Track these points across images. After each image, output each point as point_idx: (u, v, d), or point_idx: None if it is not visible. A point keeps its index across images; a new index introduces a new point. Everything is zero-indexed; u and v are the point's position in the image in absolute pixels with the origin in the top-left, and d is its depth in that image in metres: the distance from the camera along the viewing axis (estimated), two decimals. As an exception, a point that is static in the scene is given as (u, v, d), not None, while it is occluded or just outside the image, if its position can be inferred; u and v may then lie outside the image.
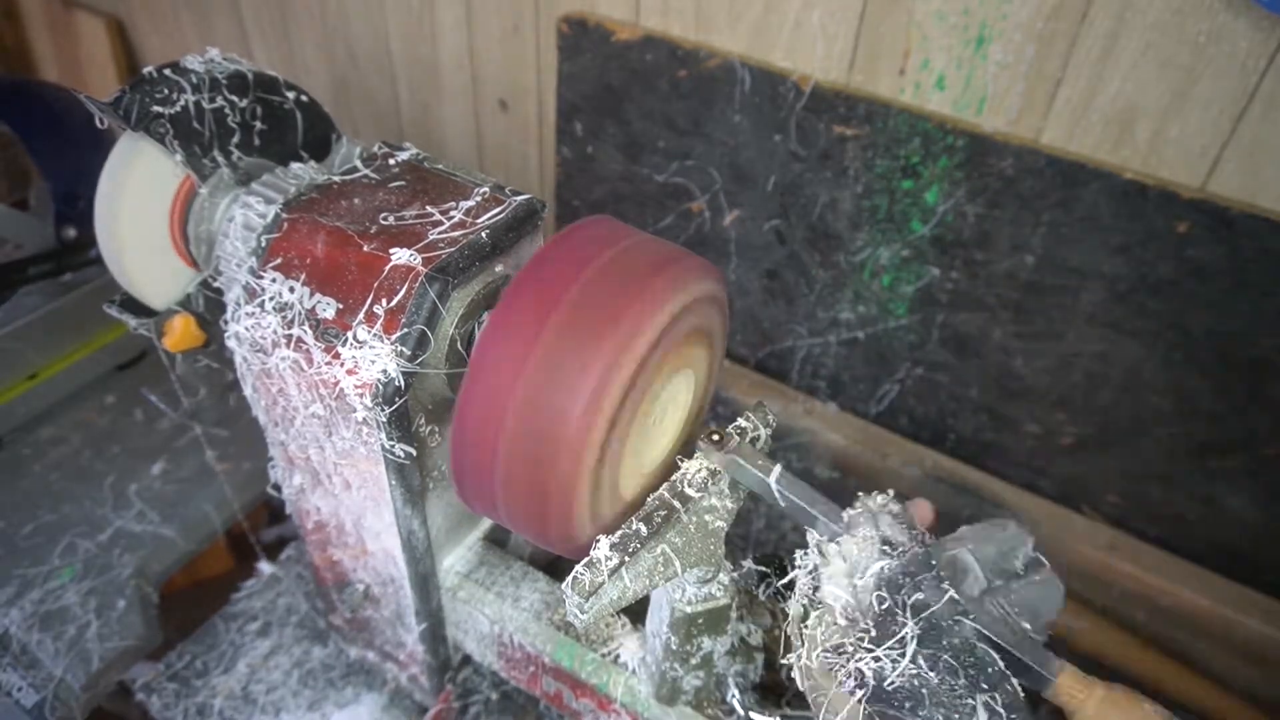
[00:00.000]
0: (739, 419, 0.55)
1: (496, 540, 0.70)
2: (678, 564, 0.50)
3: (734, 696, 0.58)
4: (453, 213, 0.54)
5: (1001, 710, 0.40)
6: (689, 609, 0.53)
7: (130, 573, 0.86)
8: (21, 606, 0.82)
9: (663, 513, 0.50)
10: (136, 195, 0.57)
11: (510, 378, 0.46)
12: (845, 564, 0.46)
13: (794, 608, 0.47)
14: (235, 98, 0.58)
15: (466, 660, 0.77)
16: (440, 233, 0.52)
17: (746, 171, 0.96)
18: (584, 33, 0.98)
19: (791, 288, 1.01)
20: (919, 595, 0.43)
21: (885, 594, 0.44)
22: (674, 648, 0.55)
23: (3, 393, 0.97)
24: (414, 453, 0.54)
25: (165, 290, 0.61)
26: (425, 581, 0.64)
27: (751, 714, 0.46)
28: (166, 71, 0.56)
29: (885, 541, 0.46)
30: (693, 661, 0.57)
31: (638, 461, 0.53)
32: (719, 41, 0.92)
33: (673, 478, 0.52)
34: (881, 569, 0.45)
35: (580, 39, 0.98)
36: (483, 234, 0.53)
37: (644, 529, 0.49)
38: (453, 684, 0.76)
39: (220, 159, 0.59)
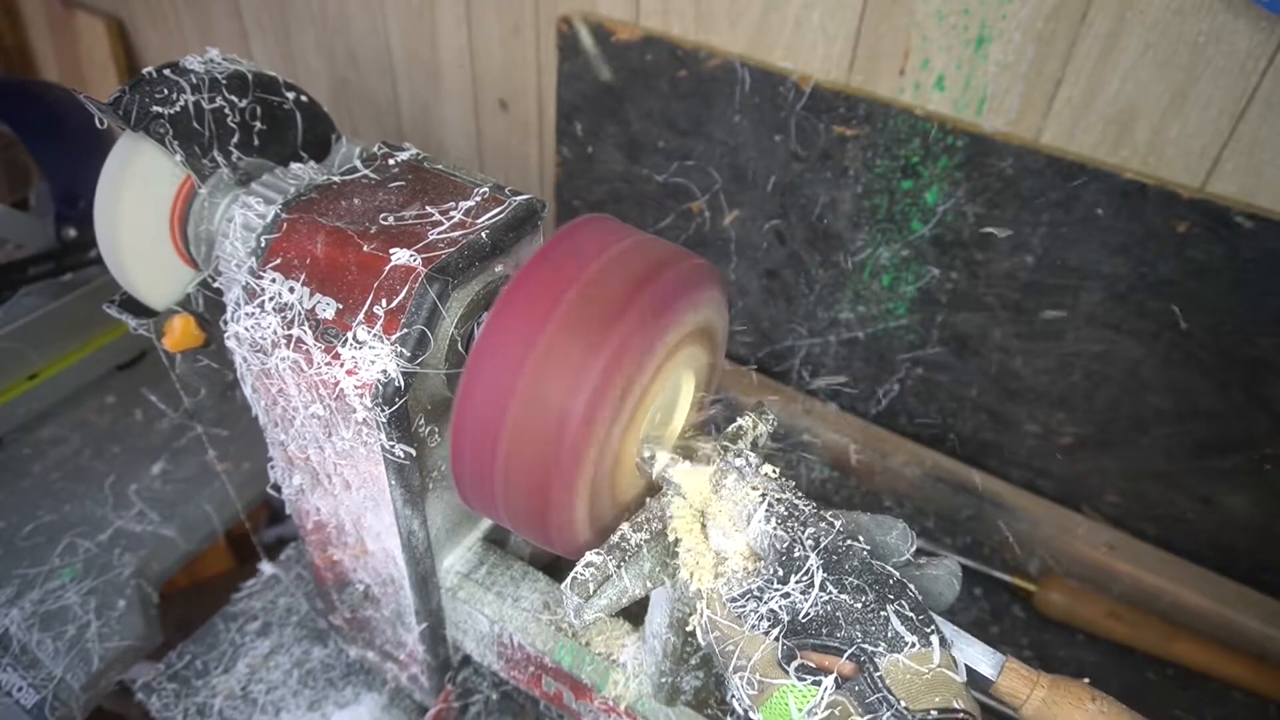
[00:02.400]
0: (738, 419, 0.55)
1: (496, 540, 0.70)
2: (677, 564, 0.50)
3: (734, 696, 0.58)
4: (452, 213, 0.54)
5: (910, 613, 0.43)
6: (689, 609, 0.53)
7: (130, 573, 0.86)
8: (21, 606, 0.82)
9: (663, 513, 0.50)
10: (136, 195, 0.57)
11: (510, 377, 0.46)
12: (726, 516, 0.48)
13: (681, 574, 0.48)
14: (235, 98, 0.58)
15: (466, 660, 0.77)
16: (440, 233, 0.52)
17: (746, 171, 0.96)
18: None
19: (791, 288, 1.01)
20: (810, 529, 0.46)
21: (784, 532, 0.46)
22: (674, 648, 0.55)
23: (3, 393, 0.97)
24: (414, 453, 0.54)
25: (165, 290, 0.61)
26: (425, 581, 0.64)
27: (750, 714, 0.46)
28: (166, 72, 0.56)
29: (756, 490, 0.48)
30: (692, 661, 0.57)
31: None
32: (719, 41, 0.92)
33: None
34: (768, 512, 0.46)
35: (580, 39, 0.98)
36: (482, 234, 0.53)
37: (643, 529, 0.49)
38: (453, 684, 0.76)
39: (220, 159, 0.59)
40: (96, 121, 0.55)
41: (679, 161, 1.00)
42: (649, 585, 0.49)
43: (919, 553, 0.48)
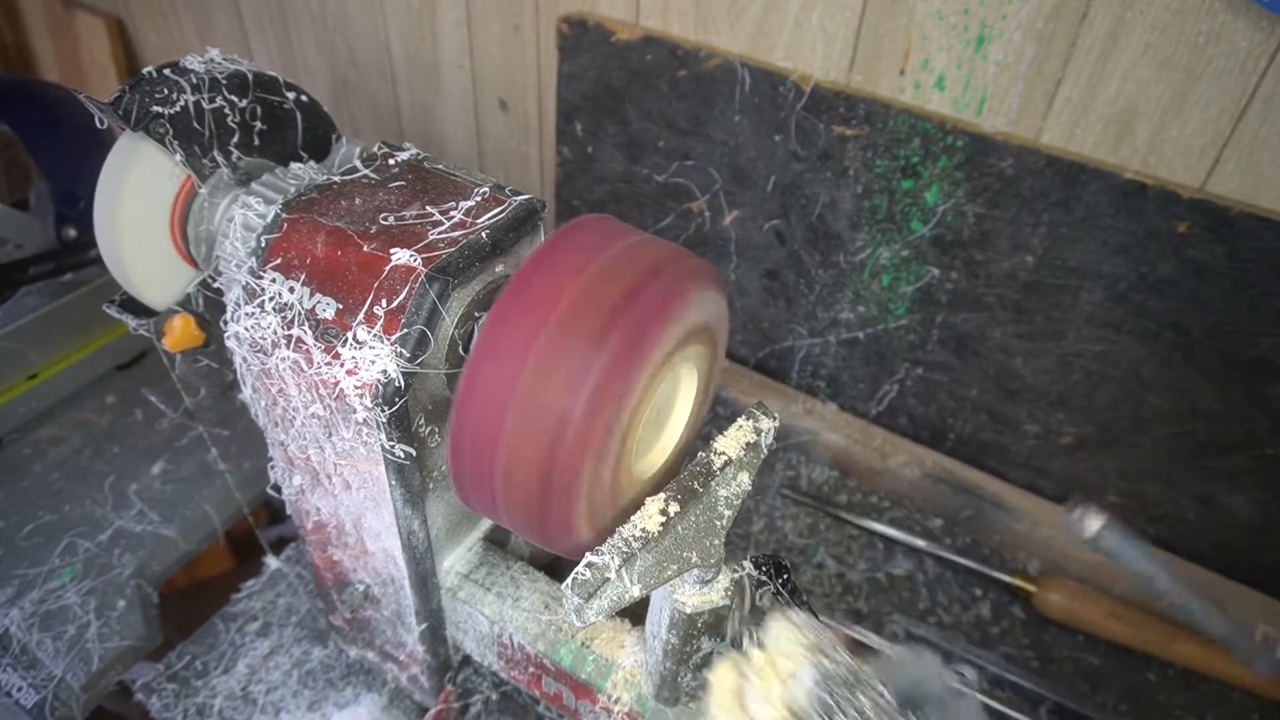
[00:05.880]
0: (740, 418, 0.55)
1: (496, 540, 0.70)
2: (678, 565, 0.50)
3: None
4: (453, 213, 0.54)
5: None
6: (689, 610, 0.53)
7: (130, 573, 0.86)
8: (21, 606, 0.82)
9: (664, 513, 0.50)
10: (136, 195, 0.57)
11: (509, 377, 0.46)
12: (775, 674, 0.46)
13: None
14: (235, 98, 0.58)
15: (467, 660, 0.77)
16: (440, 233, 0.52)
17: (746, 171, 0.96)
18: (584, 33, 0.98)
19: (791, 288, 1.01)
20: (861, 698, 0.43)
21: (829, 699, 0.43)
22: (674, 648, 0.55)
23: (3, 393, 0.97)
24: (414, 453, 0.54)
25: (165, 290, 0.61)
26: (425, 581, 0.64)
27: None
28: (166, 71, 0.56)
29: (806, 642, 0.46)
30: (693, 662, 0.57)
31: (638, 462, 0.53)
32: (719, 41, 0.92)
33: (681, 470, 0.52)
34: (815, 674, 0.44)
35: (580, 39, 0.98)
36: (483, 234, 0.53)
37: (645, 529, 0.49)
38: (453, 684, 0.76)
39: (220, 159, 0.59)
40: (96, 121, 0.55)
41: (679, 161, 1.00)
42: (650, 585, 0.49)
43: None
